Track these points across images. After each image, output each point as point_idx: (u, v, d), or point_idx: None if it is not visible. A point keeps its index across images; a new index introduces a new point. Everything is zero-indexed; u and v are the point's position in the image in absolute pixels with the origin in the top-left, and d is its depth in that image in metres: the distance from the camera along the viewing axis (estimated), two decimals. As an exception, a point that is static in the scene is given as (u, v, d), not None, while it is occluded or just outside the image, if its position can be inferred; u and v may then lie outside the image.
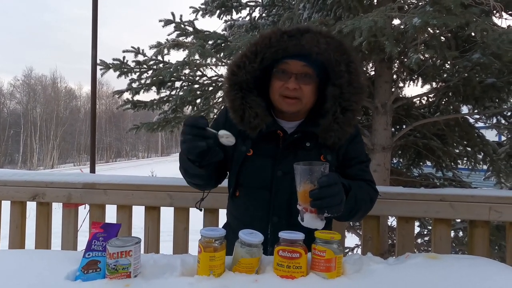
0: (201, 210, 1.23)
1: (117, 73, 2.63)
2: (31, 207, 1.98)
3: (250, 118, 1.04)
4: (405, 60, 2.41)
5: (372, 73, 3.10)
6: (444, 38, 2.20)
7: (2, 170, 2.49)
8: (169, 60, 2.76)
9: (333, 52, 1.00)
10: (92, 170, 3.60)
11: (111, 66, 2.61)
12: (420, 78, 2.92)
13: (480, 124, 3.15)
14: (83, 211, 2.06)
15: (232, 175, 1.14)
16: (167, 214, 1.91)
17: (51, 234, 2.02)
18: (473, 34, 1.78)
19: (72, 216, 1.97)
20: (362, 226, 1.79)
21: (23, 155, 39.49)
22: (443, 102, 2.99)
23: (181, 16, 2.60)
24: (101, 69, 2.64)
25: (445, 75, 2.66)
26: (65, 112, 45.70)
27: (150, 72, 2.70)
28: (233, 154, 1.12)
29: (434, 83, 2.85)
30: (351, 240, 3.95)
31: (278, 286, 0.79)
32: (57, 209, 1.95)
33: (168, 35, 2.67)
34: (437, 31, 2.11)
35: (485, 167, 3.18)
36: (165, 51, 2.45)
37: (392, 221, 3.29)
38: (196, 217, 1.73)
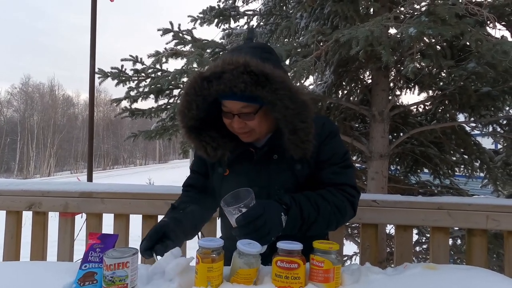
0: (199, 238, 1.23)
1: (115, 81, 2.64)
2: (27, 215, 1.96)
3: (212, 152, 1.09)
4: (402, 68, 2.44)
5: (369, 81, 3.13)
6: (439, 47, 2.23)
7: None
8: (167, 69, 2.77)
9: (255, 86, 0.96)
10: (89, 178, 3.59)
11: (109, 74, 2.62)
12: (416, 86, 2.95)
13: (476, 132, 3.17)
14: (80, 220, 2.04)
15: (216, 196, 1.18)
16: (164, 223, 1.89)
17: (47, 244, 1.99)
18: (468, 43, 1.80)
19: (68, 226, 1.94)
20: (361, 234, 1.79)
21: (19, 163, 39.20)
22: (439, 110, 3.02)
23: (179, 25, 2.62)
24: (99, 77, 2.65)
25: (441, 84, 2.68)
26: (62, 120, 45.59)
27: (148, 80, 2.71)
28: (213, 177, 1.18)
29: (430, 91, 2.88)
30: (350, 248, 3.94)
31: (276, 297, 0.79)
32: (53, 217, 1.93)
33: (167, 43, 2.69)
34: (433, 41, 2.13)
35: (482, 174, 3.19)
36: (164, 59, 2.47)
37: (390, 229, 3.29)
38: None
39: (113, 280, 0.79)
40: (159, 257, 0.96)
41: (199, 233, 1.25)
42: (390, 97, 2.66)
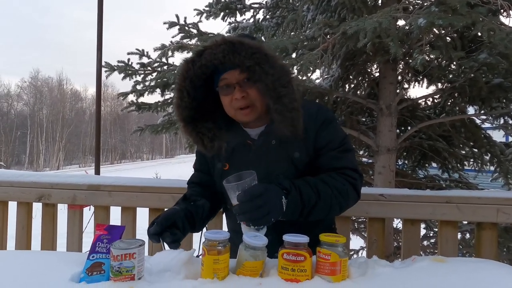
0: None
1: (122, 75, 2.64)
2: (38, 208, 1.99)
3: (208, 143, 1.10)
4: (410, 61, 2.40)
5: (377, 74, 3.09)
6: (449, 39, 2.18)
7: (8, 171, 2.52)
8: (173, 62, 2.77)
9: (232, 53, 0.98)
10: (97, 171, 3.62)
11: (116, 68, 2.63)
12: (425, 79, 2.90)
13: (487, 125, 3.11)
14: (88, 213, 2.06)
15: (219, 191, 1.18)
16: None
17: (56, 235, 2.03)
18: (479, 34, 1.76)
19: (77, 218, 1.98)
20: (367, 228, 1.78)
21: (29, 156, 39.91)
22: (448, 103, 2.96)
23: (185, 18, 2.61)
24: (106, 71, 2.66)
25: (450, 76, 2.63)
26: (70, 114, 46.14)
27: (154, 74, 2.72)
28: (214, 173, 1.20)
29: (439, 84, 2.83)
30: (356, 242, 3.93)
31: (282, 289, 0.79)
32: (62, 210, 1.96)
33: (173, 37, 2.69)
34: (443, 32, 2.09)
35: (492, 168, 3.14)
36: (170, 53, 2.46)
37: (397, 224, 3.27)
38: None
39: (120, 271, 0.80)
40: (165, 244, 0.97)
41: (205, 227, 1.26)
42: (398, 91, 2.62)
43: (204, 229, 1.20)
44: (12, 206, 2.02)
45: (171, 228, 1.00)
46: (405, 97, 2.91)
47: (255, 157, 1.12)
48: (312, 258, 0.85)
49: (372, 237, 1.75)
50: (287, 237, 0.85)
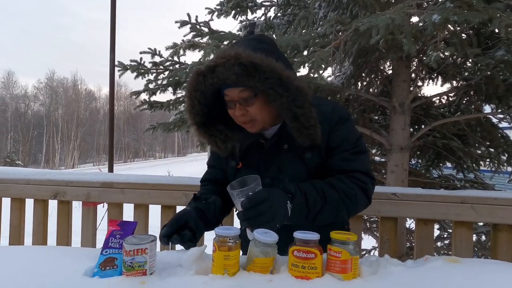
0: None
1: (135, 74, 2.68)
2: (53, 206, 2.04)
3: (222, 145, 1.12)
4: (424, 58, 2.35)
5: (390, 72, 3.04)
6: (465, 35, 2.12)
7: (25, 169, 2.59)
8: (185, 61, 2.80)
9: (246, 77, 0.97)
10: (110, 169, 3.69)
11: (128, 67, 2.67)
12: (439, 77, 2.84)
13: (504, 124, 3.03)
14: (102, 210, 2.10)
15: None
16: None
17: (71, 231, 2.07)
18: (496, 30, 1.71)
19: (91, 215, 2.01)
20: (379, 228, 1.75)
21: (45, 155, 40.93)
22: (464, 101, 2.90)
23: (196, 17, 2.63)
24: (119, 70, 2.70)
25: (466, 74, 2.57)
26: (85, 113, 47.10)
27: (166, 73, 2.74)
28: (227, 170, 1.21)
29: (454, 82, 2.76)
30: (368, 242, 3.88)
31: (292, 286, 0.79)
32: (77, 208, 2.00)
33: (184, 36, 2.70)
34: (458, 28, 2.04)
35: (510, 169, 3.06)
36: (181, 52, 2.48)
37: (410, 224, 3.22)
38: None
39: (133, 266, 0.81)
40: (175, 246, 0.98)
41: None
42: (411, 88, 2.58)
43: None
44: (29, 203, 2.07)
45: (184, 229, 1.01)
46: (419, 95, 2.86)
47: (267, 157, 1.12)
48: (323, 255, 0.84)
49: (384, 237, 1.72)
50: (298, 234, 0.85)
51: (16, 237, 2.08)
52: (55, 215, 2.03)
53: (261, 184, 0.95)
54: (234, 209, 1.40)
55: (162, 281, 0.80)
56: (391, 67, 2.84)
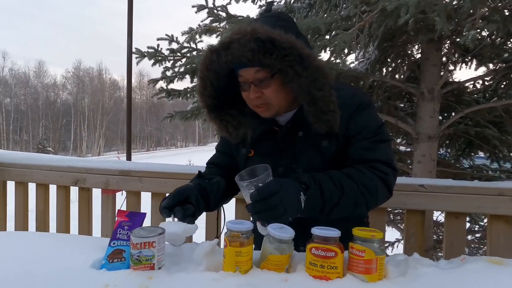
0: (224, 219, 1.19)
1: (152, 61, 2.65)
2: (77, 193, 2.08)
3: (233, 131, 1.05)
4: (458, 39, 2.16)
5: (418, 56, 2.85)
6: (508, 12, 1.92)
7: (49, 156, 2.65)
8: (202, 48, 2.73)
9: (262, 54, 0.89)
10: (128, 157, 3.72)
11: (146, 54, 2.63)
12: (474, 60, 2.62)
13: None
14: (121, 198, 2.11)
15: None
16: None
17: (92, 218, 2.11)
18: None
19: (110, 202, 2.03)
20: (405, 221, 1.66)
21: (73, 143, 42.71)
22: (502, 86, 2.67)
23: (214, 1, 2.54)
24: (136, 57, 2.68)
25: (506, 55, 2.35)
26: (109, 103, 48.52)
27: (183, 60, 2.69)
28: (237, 158, 1.14)
29: (491, 65, 2.55)
30: (391, 234, 3.75)
31: (310, 287, 0.72)
32: (99, 197, 2.03)
33: (202, 21, 2.63)
34: (499, 4, 1.84)
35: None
36: (197, 37, 2.42)
37: (437, 216, 3.06)
38: (229, 206, 1.69)
39: (140, 259, 0.77)
40: (176, 219, 0.93)
41: (222, 211, 1.21)
42: (442, 73, 2.39)
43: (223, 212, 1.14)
44: (53, 189, 2.12)
45: (184, 204, 0.96)
46: (450, 80, 2.65)
47: (281, 145, 1.05)
48: (344, 254, 0.77)
49: (410, 230, 1.63)
50: (316, 231, 0.77)
51: (41, 222, 2.15)
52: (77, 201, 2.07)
53: (271, 174, 0.88)
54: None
55: (171, 277, 0.76)
56: (419, 51, 2.65)
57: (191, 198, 0.98)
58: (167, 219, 0.96)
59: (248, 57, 0.90)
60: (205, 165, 1.28)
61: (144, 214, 0.90)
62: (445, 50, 2.53)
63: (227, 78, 1.00)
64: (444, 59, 2.56)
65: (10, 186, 2.20)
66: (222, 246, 0.81)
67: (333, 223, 0.82)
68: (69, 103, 45.39)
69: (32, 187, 2.16)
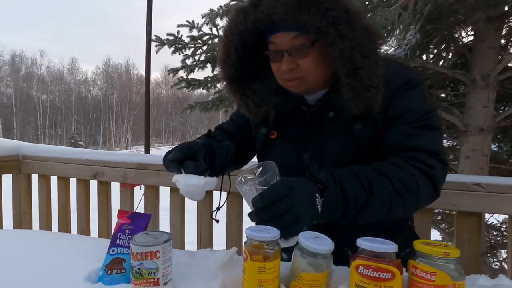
0: (217, 221, 1.01)
1: (172, 49, 2.52)
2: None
3: (254, 109, 0.91)
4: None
5: (466, 40, 2.53)
6: None
7: (68, 149, 2.61)
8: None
9: (298, 9, 0.72)
10: (147, 150, 3.65)
11: (165, 42, 2.51)
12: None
13: None
14: (139, 192, 2.03)
15: (258, 159, 1.00)
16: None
17: (111, 211, 2.04)
18: None
19: (128, 196, 1.96)
20: (455, 224, 1.44)
21: (103, 137, 44.56)
22: None
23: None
24: (156, 45, 2.56)
25: None
26: (136, 98, 50.03)
27: (204, 47, 2.54)
28: (256, 136, 0.99)
29: None
30: (431, 235, 3.44)
31: (358, 319, 0.54)
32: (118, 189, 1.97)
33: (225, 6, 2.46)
34: None
35: None
36: (218, 20, 2.25)
37: (488, 218, 2.73)
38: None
39: (141, 273, 0.62)
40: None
41: (215, 215, 1.02)
42: (499, 57, 2.08)
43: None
44: (74, 184, 2.08)
45: (192, 159, 0.80)
46: (509, 65, 2.31)
47: (308, 127, 0.87)
48: (403, 274, 0.58)
49: (462, 235, 1.41)
50: (364, 243, 0.58)
51: (63, 215, 2.12)
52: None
53: (278, 173, 0.69)
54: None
55: (178, 297, 0.60)
56: (471, 33, 2.32)
57: (198, 156, 0.82)
58: (175, 176, 0.81)
59: (280, 14, 0.73)
60: (214, 128, 1.12)
61: (149, 215, 0.75)
62: (505, 31, 2.19)
63: (254, 46, 0.84)
64: (503, 41, 2.22)
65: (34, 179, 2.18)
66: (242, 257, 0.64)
67: (368, 228, 0.65)
68: (99, 99, 47.28)
69: (54, 181, 2.13)
